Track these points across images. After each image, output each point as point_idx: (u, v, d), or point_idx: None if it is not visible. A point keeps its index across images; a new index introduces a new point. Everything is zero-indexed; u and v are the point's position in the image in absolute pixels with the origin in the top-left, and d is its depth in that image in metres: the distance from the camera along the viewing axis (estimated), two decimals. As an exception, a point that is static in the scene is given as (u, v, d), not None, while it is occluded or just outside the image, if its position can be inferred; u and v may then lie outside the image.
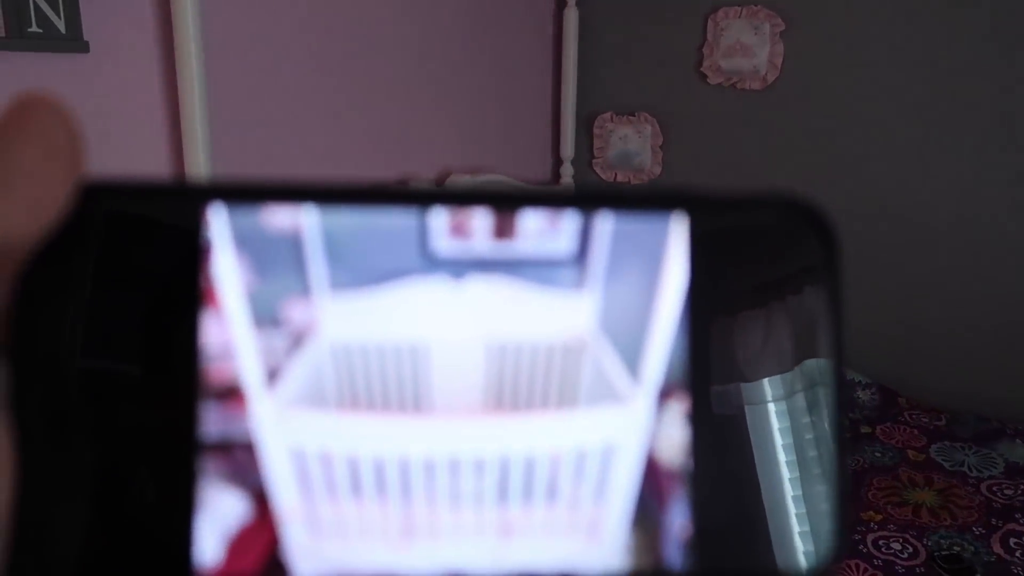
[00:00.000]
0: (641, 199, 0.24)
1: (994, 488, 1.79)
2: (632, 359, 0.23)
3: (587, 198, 0.23)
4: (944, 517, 1.68)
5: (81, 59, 1.34)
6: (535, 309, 0.23)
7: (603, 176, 2.69)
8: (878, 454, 1.96)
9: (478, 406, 0.22)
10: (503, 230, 0.23)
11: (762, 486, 0.23)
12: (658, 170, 2.60)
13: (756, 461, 0.23)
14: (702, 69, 2.45)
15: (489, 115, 2.38)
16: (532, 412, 0.22)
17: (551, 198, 0.23)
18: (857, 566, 1.51)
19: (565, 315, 0.23)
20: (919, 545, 1.58)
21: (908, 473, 1.86)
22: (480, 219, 0.23)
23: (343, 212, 0.22)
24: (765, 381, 0.23)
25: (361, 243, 0.22)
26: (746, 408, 0.23)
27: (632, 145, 2.61)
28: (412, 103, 2.08)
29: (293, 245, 0.22)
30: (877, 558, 1.54)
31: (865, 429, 2.10)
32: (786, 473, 0.23)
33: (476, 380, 0.22)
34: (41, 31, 1.25)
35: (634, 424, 0.23)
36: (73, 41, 1.29)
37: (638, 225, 0.24)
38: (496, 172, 2.40)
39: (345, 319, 0.22)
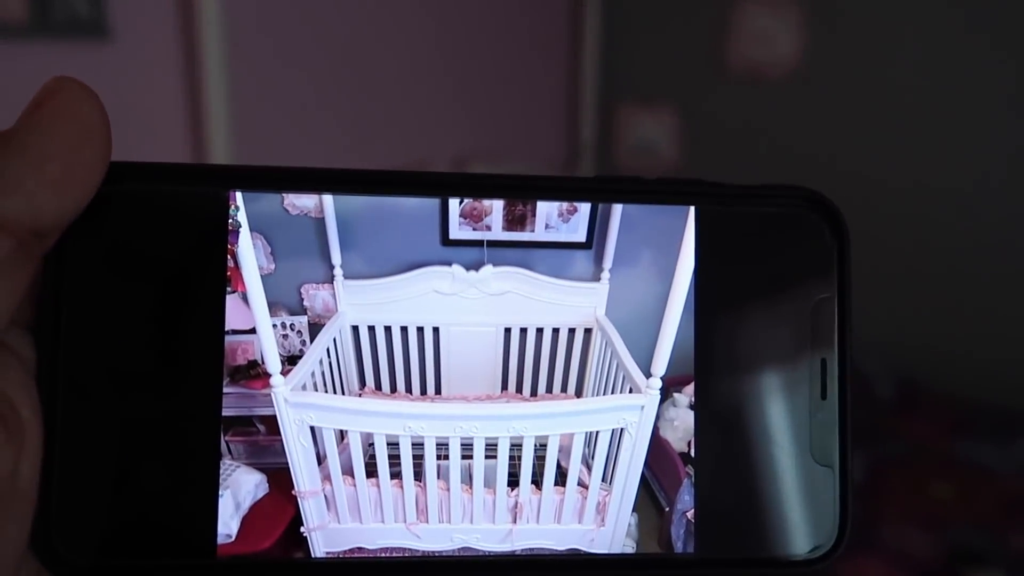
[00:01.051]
0: (655, 190, 0.24)
1: (1015, 482, 1.78)
2: (642, 347, 0.23)
3: (602, 188, 0.24)
4: (964, 511, 1.67)
5: (104, 45, 1.35)
6: (549, 296, 0.23)
7: (622, 164, 2.68)
8: (896, 446, 1.95)
9: (491, 391, 0.23)
10: (519, 218, 0.23)
11: (767, 474, 0.24)
12: (678, 159, 2.58)
13: (761, 449, 0.24)
14: (725, 58, 2.42)
15: (509, 102, 2.38)
16: (544, 397, 0.23)
17: (567, 187, 0.23)
18: (874, 560, 1.51)
19: (578, 302, 0.24)
20: (939, 540, 1.58)
21: (927, 466, 1.85)
22: (496, 207, 0.24)
23: (362, 199, 0.23)
24: (772, 371, 0.24)
25: (379, 230, 0.23)
26: (752, 397, 0.23)
27: (652, 134, 2.60)
28: (431, 88, 2.08)
29: (313, 231, 0.22)
30: (896, 552, 1.53)
31: (883, 421, 2.08)
32: (791, 462, 0.24)
33: (490, 366, 0.23)
34: (64, 17, 1.26)
35: (643, 410, 0.23)
36: (96, 27, 1.30)
37: (652, 215, 0.24)
38: (513, 158, 2.40)
39: (363, 305, 0.22)
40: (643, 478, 0.23)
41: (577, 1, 2.59)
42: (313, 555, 0.22)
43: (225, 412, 0.21)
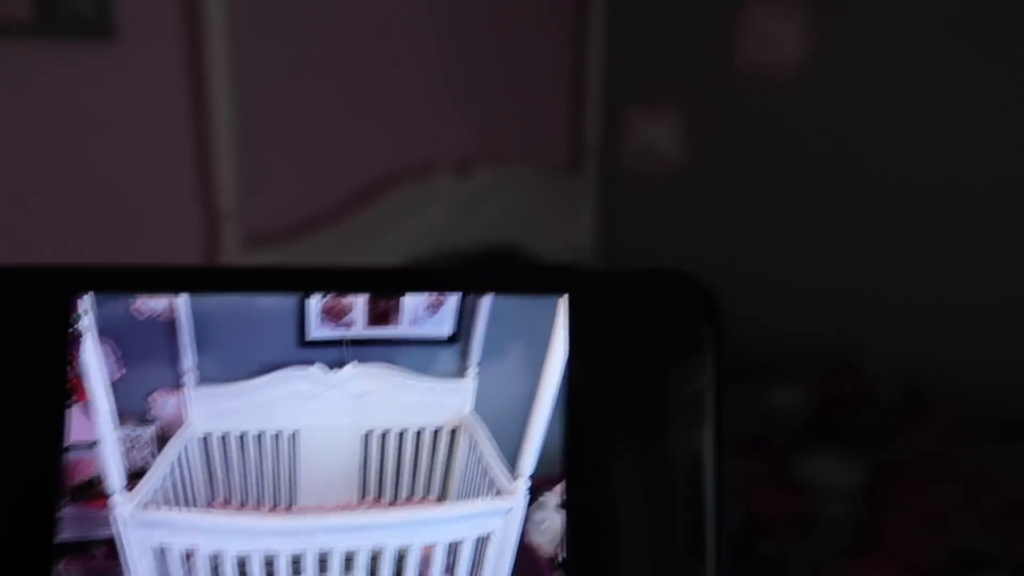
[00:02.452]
0: (523, 281, 0.23)
1: (1020, 486, 1.75)
2: (510, 445, 0.23)
3: (469, 280, 0.23)
4: (971, 517, 1.64)
5: (109, 44, 1.34)
6: (413, 395, 0.23)
7: (628, 166, 2.66)
8: (904, 452, 1.92)
9: (350, 498, 0.22)
10: (383, 313, 0.23)
11: (639, 571, 0.23)
12: (683, 161, 2.56)
13: (635, 549, 0.23)
14: (732, 59, 2.39)
15: (514, 103, 2.37)
16: (406, 503, 0.22)
17: (432, 280, 0.22)
18: (880, 564, 1.49)
19: (444, 401, 0.23)
20: (944, 544, 1.56)
21: (932, 471, 1.83)
22: (359, 302, 0.23)
23: (216, 299, 0.22)
24: (645, 466, 0.23)
25: (234, 331, 0.22)
26: (624, 495, 0.23)
27: (658, 135, 2.57)
28: (436, 89, 2.07)
29: (164, 334, 0.22)
30: (902, 557, 1.52)
31: (891, 426, 2.06)
32: (666, 561, 0.23)
33: (349, 472, 0.22)
34: (70, 17, 1.26)
35: (508, 514, 0.23)
36: (102, 27, 1.30)
37: (520, 307, 0.23)
38: (519, 161, 2.39)
39: (215, 411, 0.22)
40: (509, 583, 0.23)
41: (582, 3, 2.57)
42: None
43: (61, 537, 0.21)
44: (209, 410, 0.22)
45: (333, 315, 0.22)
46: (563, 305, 0.23)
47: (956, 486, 1.74)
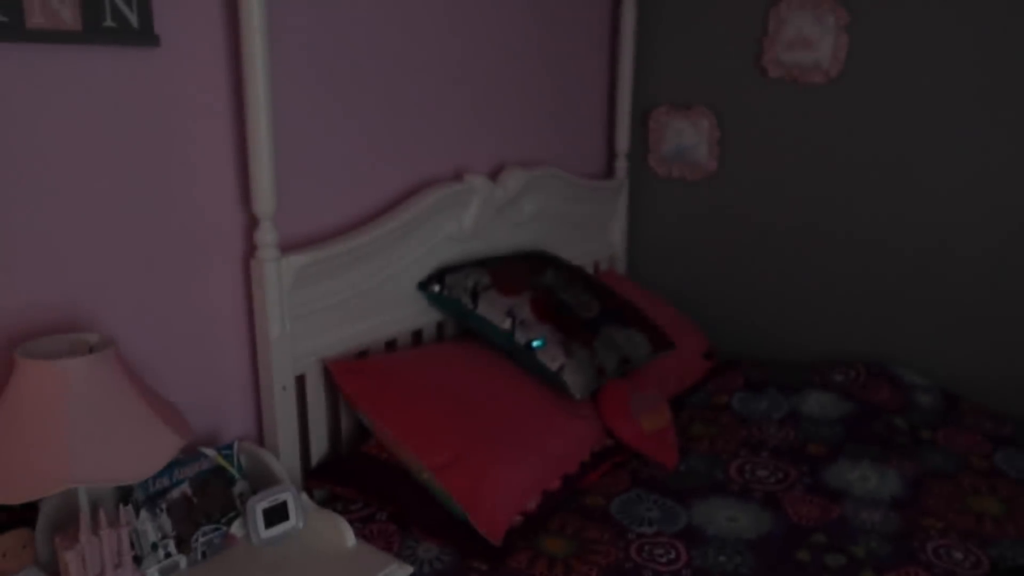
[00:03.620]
0: None
1: (1061, 498, 1.73)
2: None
3: None
4: (1008, 526, 1.63)
5: (152, 52, 1.37)
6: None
7: (658, 171, 2.66)
8: (940, 460, 1.91)
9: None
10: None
11: None
12: (714, 165, 2.56)
13: None
14: (762, 62, 2.40)
15: (545, 108, 2.38)
16: None
17: None
18: (916, 573, 1.48)
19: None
20: (982, 554, 1.54)
21: (971, 480, 1.81)
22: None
23: None
24: None
25: None
26: None
27: (688, 139, 2.58)
28: (469, 96, 2.08)
29: None
30: (937, 567, 1.50)
31: (926, 434, 2.05)
32: None
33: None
34: (115, 25, 1.29)
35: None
36: (145, 35, 1.33)
37: None
38: (551, 165, 2.39)
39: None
40: None
41: (614, 10, 2.58)
42: None
43: None
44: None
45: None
46: None
47: (994, 496, 1.73)
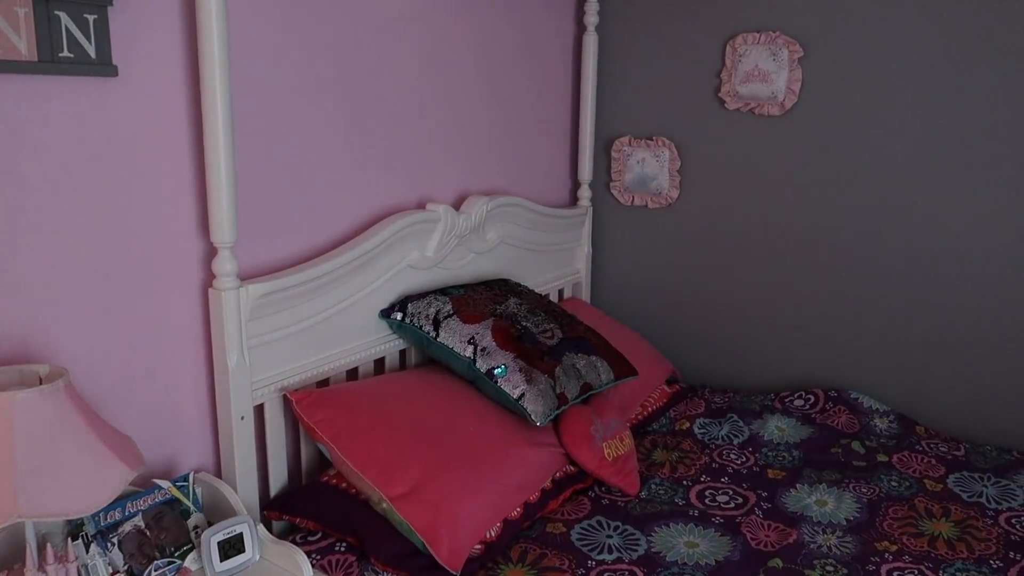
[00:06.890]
0: None
1: (1013, 520, 1.77)
2: None
3: None
4: (961, 549, 1.66)
5: (110, 83, 1.37)
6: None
7: (620, 199, 2.70)
8: (895, 483, 1.94)
9: None
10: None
11: None
12: (675, 194, 2.61)
13: None
14: (720, 94, 2.46)
15: (509, 138, 2.41)
16: None
17: None
18: (872, 597, 1.50)
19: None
20: (935, 577, 1.56)
21: (925, 503, 1.84)
22: None
23: None
24: None
25: None
26: None
27: (650, 169, 2.62)
28: (433, 126, 2.10)
29: None
30: (892, 589, 1.52)
31: (882, 457, 2.08)
32: None
33: None
34: (72, 56, 1.28)
35: None
36: (103, 66, 1.33)
37: None
38: (514, 194, 2.41)
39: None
40: None
41: (577, 42, 2.62)
42: None
43: None
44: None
45: None
46: None
47: (949, 518, 1.76)
